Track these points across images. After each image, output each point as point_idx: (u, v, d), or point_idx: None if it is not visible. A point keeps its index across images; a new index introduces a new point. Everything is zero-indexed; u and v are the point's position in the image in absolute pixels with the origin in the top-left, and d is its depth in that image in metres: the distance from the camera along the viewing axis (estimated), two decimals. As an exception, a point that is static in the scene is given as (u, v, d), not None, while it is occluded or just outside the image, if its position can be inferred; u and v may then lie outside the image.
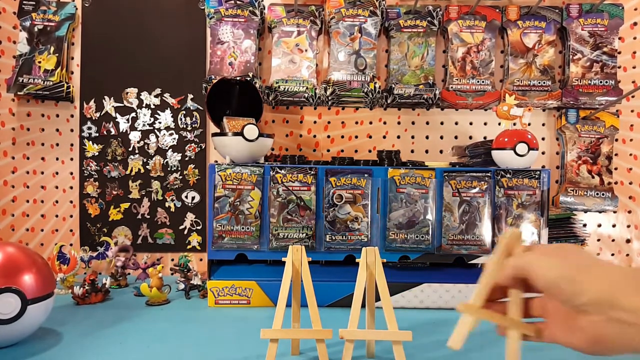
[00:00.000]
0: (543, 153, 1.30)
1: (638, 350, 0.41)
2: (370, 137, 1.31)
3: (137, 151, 1.29)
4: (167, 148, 1.29)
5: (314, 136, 1.31)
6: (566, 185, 1.25)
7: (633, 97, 1.28)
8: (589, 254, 0.49)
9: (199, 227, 1.30)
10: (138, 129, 1.29)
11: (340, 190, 0.98)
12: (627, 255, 1.29)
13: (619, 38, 1.27)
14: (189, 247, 1.30)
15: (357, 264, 0.67)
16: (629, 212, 1.29)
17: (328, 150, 1.31)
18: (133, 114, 1.29)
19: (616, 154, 1.27)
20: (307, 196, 0.98)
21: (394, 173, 0.98)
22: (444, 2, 1.29)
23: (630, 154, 1.28)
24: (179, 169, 1.29)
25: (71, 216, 1.30)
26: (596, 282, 0.43)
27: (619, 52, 1.27)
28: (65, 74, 1.26)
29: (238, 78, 1.18)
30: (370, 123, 1.31)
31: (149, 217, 1.29)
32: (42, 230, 1.30)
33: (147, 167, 1.29)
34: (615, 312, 0.41)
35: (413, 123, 1.31)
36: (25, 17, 1.25)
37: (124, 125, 1.29)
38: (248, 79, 1.19)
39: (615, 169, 1.27)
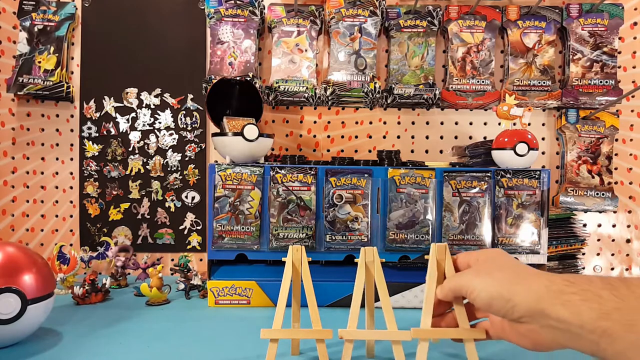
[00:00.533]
0: (543, 153, 1.30)
1: (572, 347, 0.47)
2: (370, 137, 1.31)
3: (137, 151, 1.29)
4: (167, 148, 1.29)
5: (314, 136, 1.31)
6: (566, 185, 1.25)
7: (633, 97, 1.28)
8: (514, 263, 0.56)
9: (199, 227, 1.30)
10: (138, 129, 1.29)
11: (340, 190, 0.98)
12: (627, 255, 1.29)
13: (619, 38, 1.27)
14: (189, 247, 1.30)
15: (357, 264, 0.67)
16: (629, 212, 1.29)
17: (328, 150, 1.31)
18: (133, 114, 1.29)
19: (616, 154, 1.27)
20: (307, 196, 0.98)
21: (394, 173, 0.98)
22: (444, 2, 1.29)
23: (630, 154, 1.28)
24: (179, 169, 1.29)
25: (71, 216, 1.30)
26: (524, 297, 0.49)
27: (619, 52, 1.27)
28: (65, 74, 1.26)
29: (238, 78, 1.18)
30: (370, 123, 1.31)
31: (149, 217, 1.29)
32: (42, 230, 1.30)
33: (147, 167, 1.29)
34: (546, 320, 0.47)
35: (413, 123, 1.31)
36: (25, 17, 1.25)
37: (124, 125, 1.29)
38: (248, 79, 1.19)
39: (615, 169, 1.27)
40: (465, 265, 0.61)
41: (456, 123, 1.31)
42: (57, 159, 1.30)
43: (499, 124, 1.13)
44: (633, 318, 0.41)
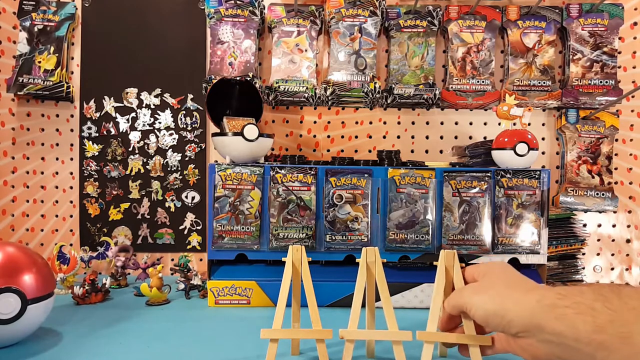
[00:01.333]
0: (543, 153, 1.30)
1: (570, 359, 0.47)
2: (370, 137, 1.31)
3: (137, 151, 1.29)
4: (167, 148, 1.29)
5: (314, 136, 1.31)
6: (566, 185, 1.25)
7: (633, 97, 1.28)
8: (511, 278, 0.56)
9: (199, 227, 1.30)
10: (138, 129, 1.29)
11: (340, 190, 0.98)
12: (627, 255, 1.29)
13: (619, 38, 1.27)
14: (189, 247, 1.30)
15: (357, 264, 0.67)
16: (629, 212, 1.29)
17: (328, 150, 1.31)
18: (133, 114, 1.29)
19: (616, 154, 1.27)
20: (307, 196, 0.98)
21: (394, 173, 0.98)
22: (444, 2, 1.29)
23: (630, 154, 1.28)
24: (179, 169, 1.29)
25: (71, 216, 1.30)
26: (518, 313, 0.49)
27: (619, 52, 1.27)
28: (65, 74, 1.26)
29: (238, 78, 1.18)
30: (370, 123, 1.31)
31: (149, 217, 1.29)
32: (42, 230, 1.30)
33: (147, 167, 1.29)
34: (542, 335, 0.47)
35: (413, 123, 1.31)
36: (25, 17, 1.25)
37: (124, 125, 1.29)
38: (248, 79, 1.19)
39: (615, 169, 1.27)
40: (471, 279, 0.62)
41: (456, 123, 1.31)
42: (57, 159, 1.30)
43: (499, 124, 1.13)
44: (627, 330, 0.41)
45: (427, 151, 1.31)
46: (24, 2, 1.25)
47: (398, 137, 1.31)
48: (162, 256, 1.29)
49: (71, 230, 1.30)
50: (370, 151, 1.31)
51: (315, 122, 1.31)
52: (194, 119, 1.29)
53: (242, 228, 0.98)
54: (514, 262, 0.99)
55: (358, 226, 0.98)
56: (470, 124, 1.31)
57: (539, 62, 1.25)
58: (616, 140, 1.27)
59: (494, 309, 0.52)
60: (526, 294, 0.50)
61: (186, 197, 1.30)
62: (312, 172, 0.98)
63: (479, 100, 1.24)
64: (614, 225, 1.29)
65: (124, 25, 1.29)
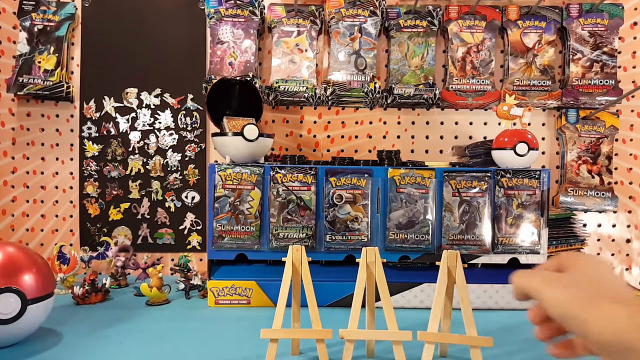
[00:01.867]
0: (543, 153, 1.30)
1: None
2: (370, 137, 1.31)
3: (137, 151, 1.29)
4: (167, 148, 1.29)
5: (314, 136, 1.31)
6: (566, 185, 1.25)
7: (633, 97, 1.28)
8: (601, 277, 0.47)
9: (199, 227, 1.30)
10: (138, 129, 1.29)
11: (340, 190, 0.98)
12: (627, 255, 1.29)
13: (619, 38, 1.27)
14: (189, 247, 1.30)
15: (357, 264, 0.67)
16: (629, 212, 1.29)
17: (328, 150, 1.31)
18: (133, 114, 1.29)
19: (616, 154, 1.27)
20: (307, 196, 0.98)
21: (394, 173, 0.98)
22: (444, 2, 1.28)
23: (630, 154, 1.28)
24: (179, 169, 1.29)
25: (71, 216, 1.30)
26: (602, 326, 0.42)
27: (619, 52, 1.27)
28: (65, 74, 1.26)
29: (238, 78, 1.18)
30: (370, 123, 1.31)
31: (149, 217, 1.29)
32: (42, 230, 1.30)
33: (147, 167, 1.29)
34: (632, 357, 0.40)
35: (413, 123, 1.31)
36: (25, 17, 1.25)
37: (124, 125, 1.28)
38: (248, 79, 1.19)
39: (615, 168, 1.27)
40: (556, 268, 0.52)
41: (456, 123, 1.31)
42: (57, 159, 1.30)
43: (499, 124, 1.13)
44: None
45: (427, 151, 1.31)
46: (24, 2, 1.25)
47: (398, 137, 1.31)
48: (162, 256, 1.29)
49: (71, 230, 1.30)
50: (370, 151, 1.31)
51: (315, 122, 1.31)
52: (194, 119, 1.29)
53: (242, 228, 0.98)
54: (513, 263, 0.99)
55: (358, 226, 0.98)
56: (470, 124, 1.31)
57: (539, 62, 1.25)
58: (616, 140, 1.27)
59: (574, 313, 0.45)
60: (615, 305, 0.43)
61: (186, 197, 1.30)
62: (312, 172, 0.98)
63: (479, 100, 1.24)
64: (614, 225, 1.29)
65: (124, 25, 1.29)
